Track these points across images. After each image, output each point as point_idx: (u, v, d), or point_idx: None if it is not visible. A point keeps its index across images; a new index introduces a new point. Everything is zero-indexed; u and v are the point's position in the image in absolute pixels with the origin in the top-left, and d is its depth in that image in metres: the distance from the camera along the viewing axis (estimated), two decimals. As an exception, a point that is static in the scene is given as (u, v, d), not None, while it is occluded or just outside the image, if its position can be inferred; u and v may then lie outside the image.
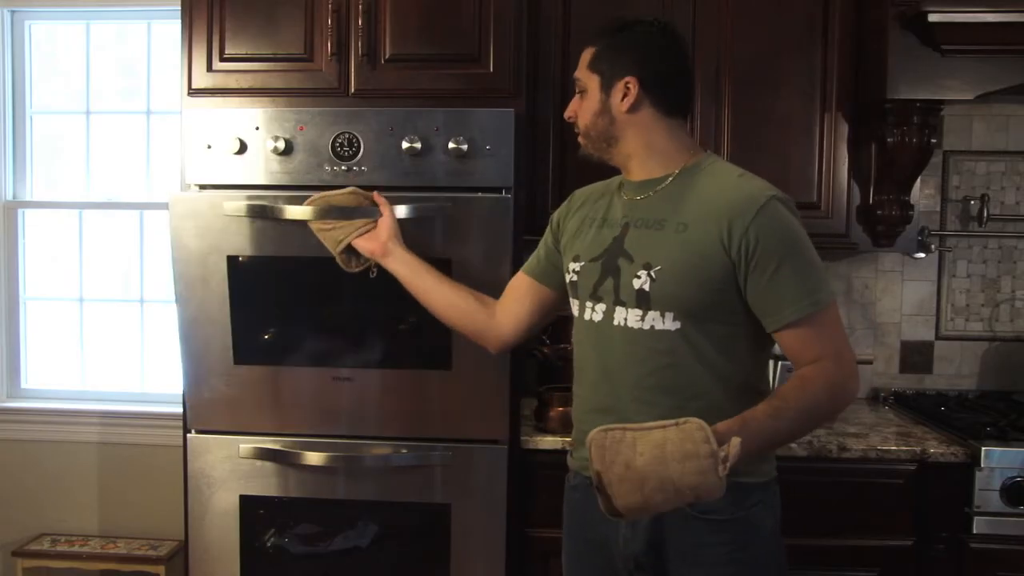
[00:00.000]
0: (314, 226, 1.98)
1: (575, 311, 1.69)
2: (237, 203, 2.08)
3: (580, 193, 1.83)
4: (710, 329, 1.52)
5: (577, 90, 1.67)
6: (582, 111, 1.65)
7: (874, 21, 2.38)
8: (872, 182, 2.47)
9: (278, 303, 2.19)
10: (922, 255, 2.75)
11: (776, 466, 1.63)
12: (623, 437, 1.32)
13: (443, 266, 2.00)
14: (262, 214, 2.07)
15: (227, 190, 2.16)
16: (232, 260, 2.11)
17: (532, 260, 1.87)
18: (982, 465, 2.10)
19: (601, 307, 1.60)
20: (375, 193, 1.98)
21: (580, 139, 1.69)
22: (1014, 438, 2.15)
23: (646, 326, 1.54)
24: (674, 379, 1.53)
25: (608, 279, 1.59)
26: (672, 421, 1.33)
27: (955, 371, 2.79)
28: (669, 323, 1.52)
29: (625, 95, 1.59)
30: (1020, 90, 2.33)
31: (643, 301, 1.53)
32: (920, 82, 2.32)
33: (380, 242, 1.92)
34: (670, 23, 1.69)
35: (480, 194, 2.10)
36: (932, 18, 2.21)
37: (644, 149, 1.62)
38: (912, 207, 2.49)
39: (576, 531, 1.72)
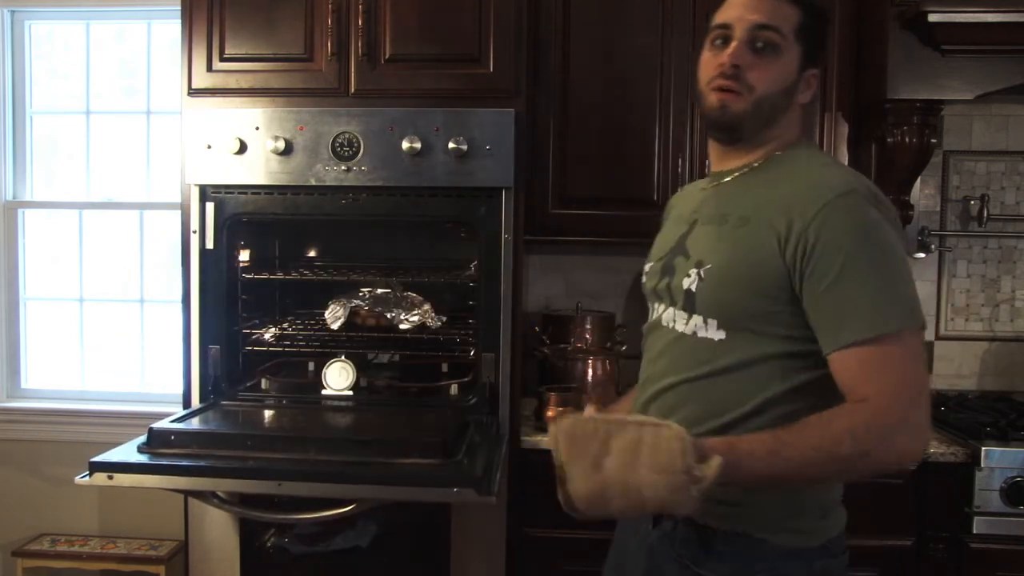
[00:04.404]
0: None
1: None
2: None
3: (674, 198, 1.64)
4: (763, 346, 1.29)
5: (756, 42, 1.34)
6: (767, 73, 1.34)
7: (874, 21, 2.38)
8: (872, 182, 2.47)
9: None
10: (922, 255, 2.75)
11: (835, 536, 1.35)
12: (596, 431, 1.18)
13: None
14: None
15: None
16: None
17: None
18: (982, 465, 2.10)
19: (660, 307, 1.45)
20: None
21: (736, 101, 1.35)
22: (1014, 438, 2.15)
23: (689, 331, 1.36)
24: (710, 395, 1.33)
25: (666, 278, 1.43)
26: (652, 421, 1.18)
27: (955, 371, 2.79)
28: (712, 332, 1.33)
29: (808, 88, 1.40)
30: (1020, 90, 2.33)
31: (689, 303, 1.36)
32: (920, 82, 2.32)
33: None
34: None
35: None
36: (932, 18, 2.21)
37: (775, 139, 1.40)
38: (912, 207, 2.49)
39: (615, 545, 1.59)
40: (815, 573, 1.32)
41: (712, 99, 1.37)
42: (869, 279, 1.21)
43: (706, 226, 1.40)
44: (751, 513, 1.31)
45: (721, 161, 1.46)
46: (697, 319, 1.35)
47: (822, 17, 1.41)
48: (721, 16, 1.39)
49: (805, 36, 1.36)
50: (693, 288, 1.35)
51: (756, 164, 1.40)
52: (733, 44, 1.34)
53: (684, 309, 1.38)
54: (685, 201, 1.55)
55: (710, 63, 1.38)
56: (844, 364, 1.22)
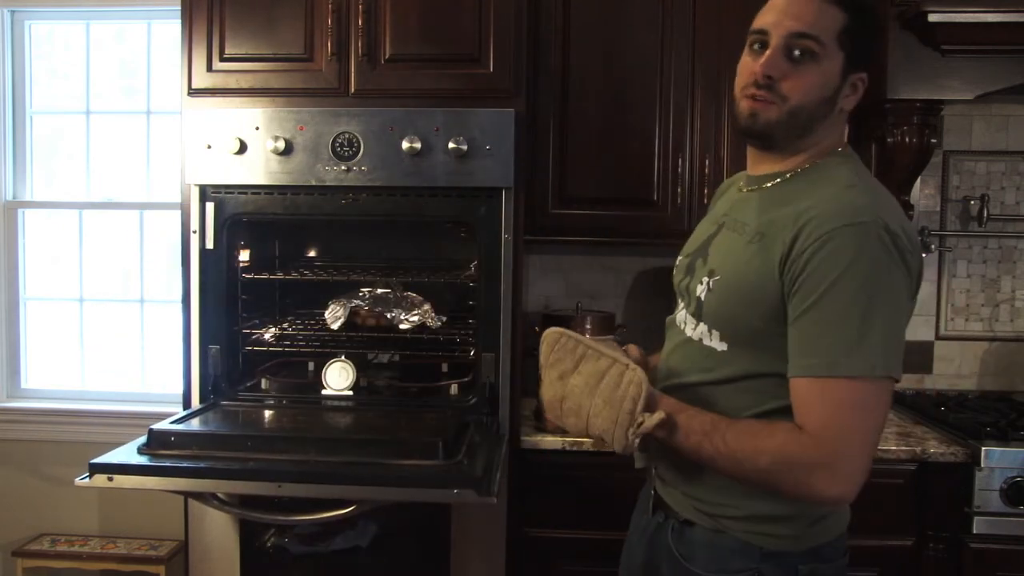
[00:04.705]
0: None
1: None
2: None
3: (722, 186, 1.60)
4: (762, 362, 1.28)
5: (792, 50, 1.28)
6: (802, 83, 1.28)
7: (874, 21, 2.38)
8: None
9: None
10: (922, 255, 2.74)
11: (830, 541, 1.33)
12: (574, 349, 1.32)
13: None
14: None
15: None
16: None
17: None
18: (982, 465, 2.10)
19: (681, 305, 1.45)
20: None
21: (767, 110, 1.30)
22: (1014, 438, 2.15)
23: (696, 336, 1.37)
24: (710, 403, 1.32)
25: (687, 278, 1.43)
26: (625, 361, 1.28)
27: (955, 371, 2.79)
28: (716, 342, 1.33)
29: (853, 92, 1.32)
30: (1020, 90, 2.33)
31: (698, 310, 1.36)
32: (920, 82, 2.32)
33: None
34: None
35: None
36: (932, 18, 2.21)
37: (811, 147, 1.34)
38: (912, 207, 2.49)
39: (627, 543, 1.59)
40: None
41: (743, 106, 1.33)
42: (842, 316, 1.17)
43: (729, 233, 1.38)
44: (734, 514, 1.32)
45: (756, 165, 1.42)
46: (703, 327, 1.36)
47: (871, 17, 1.32)
48: (759, 20, 1.34)
49: (850, 40, 1.28)
50: (702, 297, 1.36)
51: (789, 175, 1.34)
52: (767, 52, 1.29)
53: (694, 315, 1.38)
54: (724, 198, 1.52)
55: (745, 69, 1.34)
56: (796, 390, 1.22)
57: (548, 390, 1.36)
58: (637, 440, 1.25)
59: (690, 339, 1.39)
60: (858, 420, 1.17)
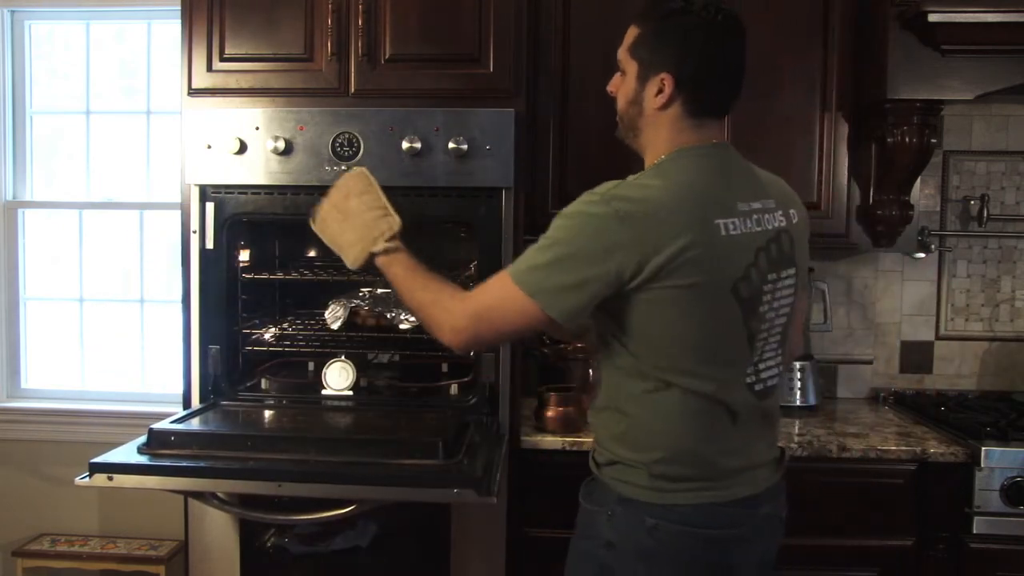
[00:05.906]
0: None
1: None
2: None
3: None
4: (602, 325, 1.53)
5: (619, 68, 1.56)
6: (620, 93, 1.56)
7: (874, 21, 2.38)
8: (872, 182, 2.48)
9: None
10: (922, 255, 2.75)
11: (690, 507, 1.44)
12: (367, 184, 1.69)
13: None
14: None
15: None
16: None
17: None
18: (982, 465, 2.11)
19: None
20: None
21: (617, 118, 1.60)
22: (1014, 438, 2.15)
23: None
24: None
25: None
26: (396, 216, 1.66)
27: (955, 371, 2.80)
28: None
29: (659, 92, 1.48)
30: (1020, 90, 2.33)
31: None
32: (920, 82, 2.32)
33: None
34: (727, 11, 1.48)
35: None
36: (932, 18, 2.21)
37: (650, 145, 1.54)
38: (912, 207, 2.49)
39: None
40: (647, 527, 1.44)
41: None
42: (535, 245, 1.48)
43: None
44: (601, 460, 1.55)
45: None
46: None
47: (662, 23, 1.48)
48: None
49: (640, 51, 1.50)
50: None
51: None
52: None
53: None
54: None
55: None
56: None
57: (327, 200, 1.69)
58: (363, 260, 1.61)
59: None
60: (487, 298, 1.50)
